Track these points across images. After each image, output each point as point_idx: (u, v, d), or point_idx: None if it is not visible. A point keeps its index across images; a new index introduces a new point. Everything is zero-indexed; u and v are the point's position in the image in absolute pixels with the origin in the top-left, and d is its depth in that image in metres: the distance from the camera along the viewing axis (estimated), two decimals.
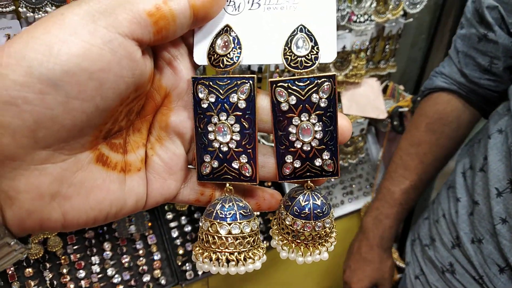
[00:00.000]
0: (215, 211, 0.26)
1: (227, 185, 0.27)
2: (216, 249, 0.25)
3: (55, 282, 0.89)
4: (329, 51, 0.25)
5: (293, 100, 0.25)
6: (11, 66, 0.19)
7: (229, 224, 0.25)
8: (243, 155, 0.26)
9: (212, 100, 0.25)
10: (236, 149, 0.25)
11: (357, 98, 1.10)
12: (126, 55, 0.21)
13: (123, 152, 0.26)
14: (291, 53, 0.25)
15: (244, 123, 0.25)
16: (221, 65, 0.24)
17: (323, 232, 0.28)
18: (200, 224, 0.27)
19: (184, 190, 0.29)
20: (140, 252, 0.99)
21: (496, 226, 0.59)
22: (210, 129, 0.25)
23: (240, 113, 0.25)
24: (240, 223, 0.26)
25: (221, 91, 0.24)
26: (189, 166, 0.29)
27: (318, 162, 0.27)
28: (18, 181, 0.21)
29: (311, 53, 0.25)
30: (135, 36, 0.21)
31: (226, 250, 0.25)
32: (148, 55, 0.24)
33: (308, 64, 0.25)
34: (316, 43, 0.25)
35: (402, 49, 1.27)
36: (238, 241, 0.26)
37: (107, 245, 0.96)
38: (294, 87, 0.25)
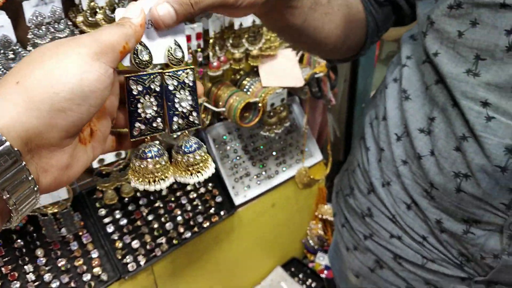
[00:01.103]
0: (140, 153, 0.40)
1: (148, 137, 0.41)
2: (145, 174, 0.41)
3: None
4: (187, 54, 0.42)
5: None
6: (59, 87, 0.30)
7: (151, 158, 0.40)
8: (158, 118, 0.41)
9: (140, 88, 0.39)
10: (155, 115, 0.40)
11: (274, 70, 1.13)
12: (112, 77, 0.34)
13: (81, 132, 0.37)
14: (172, 56, 0.41)
15: (159, 100, 0.41)
16: (142, 66, 0.39)
17: (200, 159, 0.43)
18: (132, 163, 0.41)
19: (105, 146, 0.42)
20: (76, 253, 0.97)
21: (399, 168, 0.64)
22: (139, 105, 0.39)
23: (156, 94, 0.40)
24: (158, 157, 0.41)
25: (144, 82, 0.39)
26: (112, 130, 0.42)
27: (192, 118, 0.43)
28: (51, 159, 0.32)
29: (183, 56, 0.42)
30: (114, 65, 0.34)
31: (150, 175, 0.41)
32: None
33: (181, 61, 0.42)
34: (183, 51, 0.42)
35: None
36: (158, 167, 0.41)
37: (39, 252, 0.93)
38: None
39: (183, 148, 0.42)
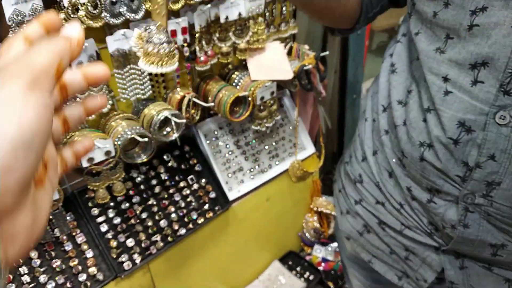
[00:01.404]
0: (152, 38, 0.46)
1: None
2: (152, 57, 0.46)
3: None
4: None
5: None
6: None
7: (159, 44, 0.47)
8: None
9: None
10: None
11: (263, 63, 1.12)
12: (52, 105, 0.27)
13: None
14: None
15: None
16: None
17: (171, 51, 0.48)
18: (143, 47, 0.49)
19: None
20: (70, 253, 0.97)
21: (382, 137, 0.68)
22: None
23: None
24: (163, 44, 0.46)
25: None
26: None
27: None
28: (17, 220, 0.26)
29: None
30: (50, 91, 0.27)
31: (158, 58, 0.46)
32: None
33: None
34: None
35: None
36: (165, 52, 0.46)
37: (33, 253, 0.93)
38: None
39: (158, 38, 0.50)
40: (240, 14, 1.03)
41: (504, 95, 0.48)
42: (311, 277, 1.48)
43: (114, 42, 0.85)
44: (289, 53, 1.21)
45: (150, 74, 0.96)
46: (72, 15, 0.77)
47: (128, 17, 0.84)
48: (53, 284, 0.94)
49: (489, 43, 0.48)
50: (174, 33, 0.93)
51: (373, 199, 0.73)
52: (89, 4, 0.77)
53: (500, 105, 0.49)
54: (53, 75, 0.27)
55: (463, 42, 0.51)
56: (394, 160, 0.66)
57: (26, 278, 0.91)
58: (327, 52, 1.20)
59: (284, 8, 1.17)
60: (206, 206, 1.16)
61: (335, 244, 1.54)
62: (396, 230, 0.71)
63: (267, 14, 1.13)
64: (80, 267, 0.97)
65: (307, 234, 1.55)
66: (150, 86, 0.95)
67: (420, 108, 0.59)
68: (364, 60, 1.62)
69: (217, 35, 1.03)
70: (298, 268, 1.51)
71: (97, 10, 0.80)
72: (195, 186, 1.16)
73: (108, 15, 0.82)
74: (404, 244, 0.70)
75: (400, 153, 0.64)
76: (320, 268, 1.50)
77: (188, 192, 1.14)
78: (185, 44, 0.97)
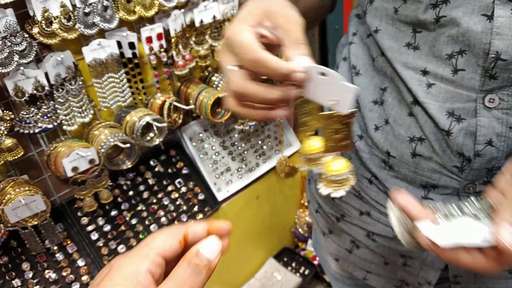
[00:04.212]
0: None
1: None
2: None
3: None
4: None
5: None
6: None
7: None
8: None
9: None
10: None
11: None
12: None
13: None
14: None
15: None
16: None
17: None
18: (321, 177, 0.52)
19: None
20: (63, 263, 0.98)
21: (355, 143, 0.65)
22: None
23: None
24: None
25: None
26: None
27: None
28: None
29: None
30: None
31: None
32: None
33: None
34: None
35: None
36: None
37: (25, 265, 0.94)
38: None
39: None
40: (214, 16, 1.05)
41: (490, 79, 0.48)
42: (306, 272, 1.50)
43: (90, 52, 0.87)
44: None
45: (129, 81, 0.97)
46: (46, 29, 0.78)
47: (102, 27, 0.85)
48: None
49: (461, 32, 0.48)
50: (149, 39, 0.95)
51: (356, 211, 0.69)
52: (62, 17, 0.79)
53: (487, 89, 0.49)
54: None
55: (434, 35, 0.51)
56: (376, 163, 0.63)
57: None
58: None
59: None
60: (196, 208, 1.17)
61: None
62: (388, 238, 0.66)
63: None
64: (73, 276, 0.98)
65: (300, 230, 1.56)
66: (130, 93, 0.97)
67: (402, 104, 0.57)
68: None
69: (194, 38, 1.05)
70: (293, 264, 1.53)
71: (71, 22, 0.81)
72: (183, 189, 1.17)
73: (82, 26, 0.83)
74: (399, 250, 0.66)
75: (385, 154, 0.61)
76: (315, 262, 1.51)
77: (176, 195, 1.16)
78: (162, 50, 0.99)
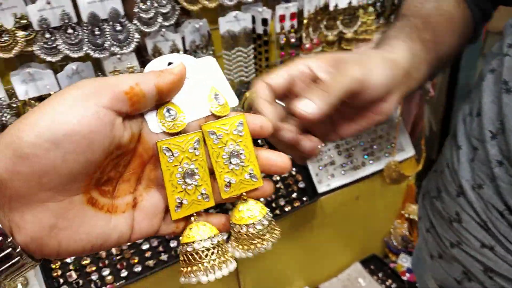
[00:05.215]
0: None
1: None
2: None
3: None
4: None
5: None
6: (26, 131, 0.27)
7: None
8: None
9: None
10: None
11: None
12: (109, 121, 0.29)
13: (111, 197, 0.33)
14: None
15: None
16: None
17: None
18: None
19: (163, 226, 0.36)
20: None
21: (494, 169, 0.57)
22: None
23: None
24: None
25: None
26: None
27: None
28: (26, 214, 0.28)
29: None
30: (115, 108, 0.30)
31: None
32: (129, 123, 0.32)
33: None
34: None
35: None
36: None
37: None
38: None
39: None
40: (350, 2, 1.00)
41: None
42: (393, 286, 1.41)
43: (226, 24, 0.88)
44: None
45: (254, 57, 0.97)
46: None
47: None
48: None
49: None
50: (282, 17, 0.94)
51: (477, 242, 0.62)
52: None
53: None
54: (121, 92, 0.30)
55: None
56: None
57: None
58: None
59: None
60: (294, 195, 1.15)
61: None
62: (509, 279, 0.60)
63: (378, 4, 1.08)
64: None
65: (394, 241, 1.47)
66: (254, 70, 0.97)
67: None
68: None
69: (325, 22, 1.01)
70: (380, 274, 1.45)
71: None
72: (285, 174, 1.16)
73: None
74: None
75: None
76: (405, 278, 1.41)
77: (278, 178, 1.15)
78: (292, 30, 0.97)
